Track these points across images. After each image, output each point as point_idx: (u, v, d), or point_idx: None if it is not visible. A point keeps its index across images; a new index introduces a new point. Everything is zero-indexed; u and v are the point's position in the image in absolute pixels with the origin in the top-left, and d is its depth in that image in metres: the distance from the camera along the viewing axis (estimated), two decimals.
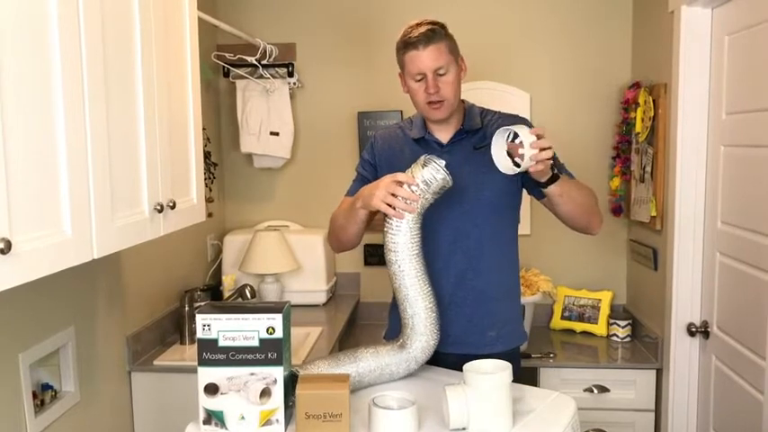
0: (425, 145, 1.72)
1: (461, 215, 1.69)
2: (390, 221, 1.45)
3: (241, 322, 1.26)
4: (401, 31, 1.66)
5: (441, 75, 1.62)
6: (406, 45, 1.63)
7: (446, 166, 1.43)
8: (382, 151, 1.78)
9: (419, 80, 1.64)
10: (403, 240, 1.44)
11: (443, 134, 1.73)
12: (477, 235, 1.69)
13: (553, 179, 1.54)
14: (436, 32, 1.62)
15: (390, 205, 1.42)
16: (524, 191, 1.77)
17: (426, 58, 1.60)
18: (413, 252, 1.45)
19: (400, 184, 1.42)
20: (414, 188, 1.41)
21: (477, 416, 1.27)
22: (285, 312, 1.29)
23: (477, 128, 1.71)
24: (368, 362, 1.48)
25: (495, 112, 1.78)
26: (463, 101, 1.77)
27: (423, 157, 1.44)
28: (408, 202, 1.41)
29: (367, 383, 1.49)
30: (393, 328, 1.82)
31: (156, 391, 2.12)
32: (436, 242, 1.68)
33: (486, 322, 1.71)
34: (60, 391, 1.77)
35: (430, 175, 1.41)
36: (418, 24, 1.63)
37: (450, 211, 1.68)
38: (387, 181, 1.44)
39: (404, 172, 1.45)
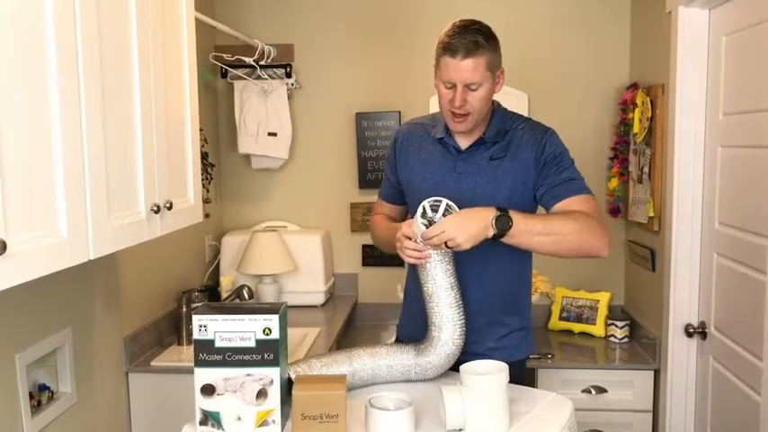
0: (445, 147, 1.69)
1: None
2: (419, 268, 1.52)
3: (238, 323, 1.26)
4: (445, 28, 1.57)
5: (472, 90, 1.55)
6: (444, 48, 1.54)
7: (434, 204, 1.48)
8: (401, 149, 1.77)
9: (448, 88, 1.57)
10: (432, 276, 1.49)
11: (464, 140, 1.68)
12: (482, 248, 1.61)
13: (496, 236, 1.46)
14: (480, 45, 1.52)
15: (410, 256, 1.49)
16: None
17: (461, 70, 1.52)
18: (443, 285, 1.49)
19: (408, 237, 1.48)
20: (419, 240, 1.46)
21: (473, 417, 1.27)
22: (281, 313, 1.29)
23: (499, 139, 1.65)
24: (362, 360, 1.50)
25: (523, 122, 1.70)
26: (494, 103, 1.69)
27: (420, 207, 1.47)
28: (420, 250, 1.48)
29: (362, 381, 1.50)
30: (405, 326, 1.82)
31: (154, 392, 2.11)
32: None
33: (485, 333, 1.68)
34: (57, 392, 1.77)
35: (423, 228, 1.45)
36: (466, 27, 1.54)
37: None
38: (398, 235, 1.51)
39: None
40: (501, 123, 1.67)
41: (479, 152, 1.66)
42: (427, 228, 1.44)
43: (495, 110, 1.69)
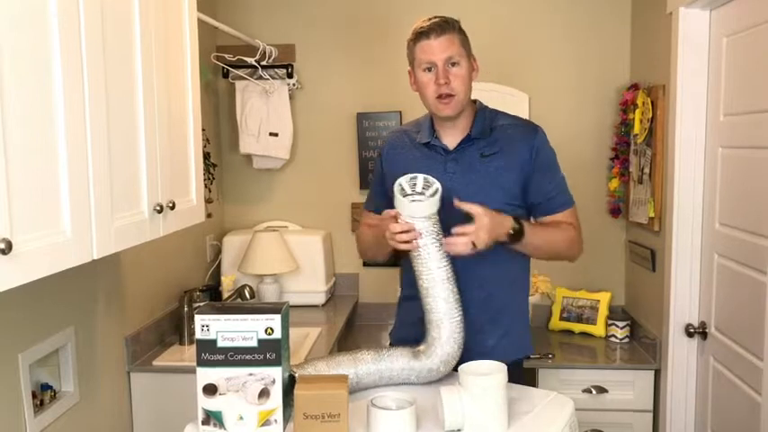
0: (432, 150, 1.70)
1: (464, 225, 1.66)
2: (413, 253, 1.49)
3: (240, 323, 1.26)
4: (412, 27, 1.65)
5: (452, 65, 1.60)
6: (417, 35, 1.61)
7: (411, 180, 1.47)
8: (388, 158, 1.77)
9: (429, 71, 1.61)
10: (428, 267, 1.47)
11: (450, 139, 1.69)
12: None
13: (511, 240, 1.54)
14: (450, 23, 1.61)
15: (401, 241, 1.47)
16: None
17: (438, 47, 1.59)
18: (440, 276, 1.47)
19: (395, 219, 1.46)
20: (404, 217, 1.45)
21: (472, 417, 1.27)
22: (283, 313, 1.29)
23: (485, 135, 1.67)
24: (367, 365, 1.48)
25: (509, 119, 1.73)
26: (475, 101, 1.73)
27: (397, 186, 1.47)
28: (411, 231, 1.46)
29: (365, 386, 1.49)
30: (399, 328, 1.82)
31: (155, 392, 2.12)
32: None
33: (486, 331, 1.68)
34: (60, 391, 1.77)
35: (410, 206, 1.44)
36: (430, 18, 1.62)
37: (453, 220, 1.64)
38: (385, 222, 1.50)
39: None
40: (485, 120, 1.70)
41: (469, 150, 1.68)
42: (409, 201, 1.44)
43: (479, 109, 1.73)
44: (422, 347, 1.52)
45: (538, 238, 1.61)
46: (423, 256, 1.46)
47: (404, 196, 1.45)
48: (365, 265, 3.01)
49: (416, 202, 1.43)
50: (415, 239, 1.45)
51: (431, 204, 1.44)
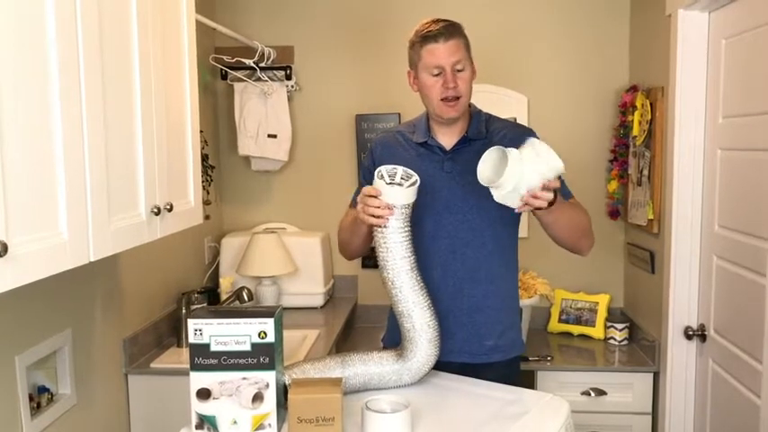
0: (429, 149, 1.72)
1: (462, 224, 1.68)
2: (377, 236, 1.46)
3: (233, 327, 1.26)
4: (416, 28, 1.66)
5: (458, 70, 1.62)
6: (424, 38, 1.63)
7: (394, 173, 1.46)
8: (381, 158, 1.77)
9: (436, 75, 1.63)
10: (392, 256, 1.45)
11: (447, 140, 1.72)
12: (476, 245, 1.68)
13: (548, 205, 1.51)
14: (456, 27, 1.64)
15: (372, 215, 1.44)
16: None
17: (447, 52, 1.61)
18: (404, 267, 1.45)
19: (371, 196, 1.45)
20: (382, 198, 1.43)
21: None
22: (277, 317, 1.29)
23: (482, 136, 1.69)
24: (355, 368, 1.48)
25: (503, 122, 1.76)
26: (470, 105, 1.76)
27: (377, 171, 1.47)
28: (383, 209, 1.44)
29: (352, 388, 1.49)
30: (391, 332, 1.82)
31: (153, 394, 2.12)
32: (435, 251, 1.68)
33: (484, 331, 1.70)
34: (57, 394, 1.77)
35: (389, 190, 1.43)
36: (436, 21, 1.64)
37: (450, 219, 1.68)
38: (361, 195, 1.48)
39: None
40: (480, 122, 1.73)
41: (466, 150, 1.70)
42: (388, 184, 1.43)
43: (474, 111, 1.75)
44: (402, 345, 1.51)
45: (566, 209, 1.58)
46: (388, 243, 1.45)
47: (386, 181, 1.45)
48: (364, 266, 3.01)
49: (395, 185, 1.43)
50: (386, 218, 1.42)
51: (409, 193, 1.43)
